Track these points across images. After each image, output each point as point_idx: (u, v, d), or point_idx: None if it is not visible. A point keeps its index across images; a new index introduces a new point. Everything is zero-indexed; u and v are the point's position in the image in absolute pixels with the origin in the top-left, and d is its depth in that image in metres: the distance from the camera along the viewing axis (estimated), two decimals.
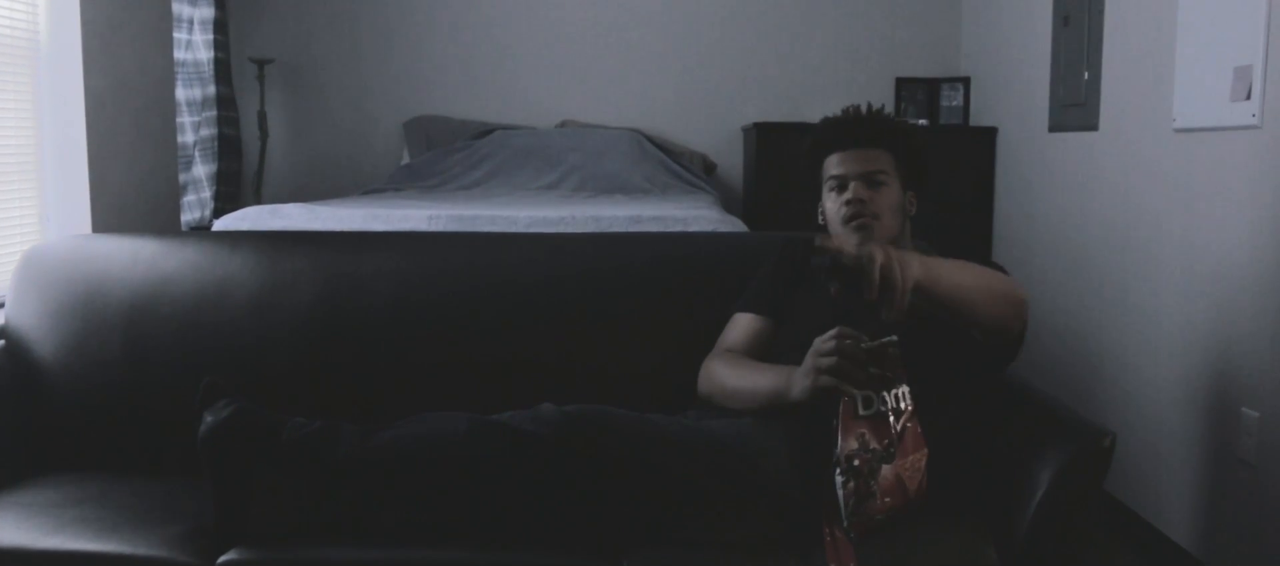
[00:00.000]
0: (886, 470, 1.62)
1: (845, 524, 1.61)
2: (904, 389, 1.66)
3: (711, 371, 1.94)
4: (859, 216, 1.91)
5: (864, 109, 2.01)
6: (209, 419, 1.63)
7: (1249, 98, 2.31)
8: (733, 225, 2.97)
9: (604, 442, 1.63)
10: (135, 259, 2.20)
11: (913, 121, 4.41)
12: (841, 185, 1.96)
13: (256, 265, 2.18)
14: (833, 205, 1.97)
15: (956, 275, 1.64)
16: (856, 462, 1.61)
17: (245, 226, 2.88)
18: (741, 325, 2.01)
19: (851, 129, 1.98)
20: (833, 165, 1.98)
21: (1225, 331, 2.43)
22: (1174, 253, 2.66)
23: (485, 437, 1.64)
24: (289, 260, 2.19)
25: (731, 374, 1.89)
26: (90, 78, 2.82)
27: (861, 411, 1.64)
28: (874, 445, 1.62)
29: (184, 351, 2.11)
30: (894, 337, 1.68)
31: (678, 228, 2.87)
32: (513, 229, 2.85)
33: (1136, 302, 2.86)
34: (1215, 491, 2.48)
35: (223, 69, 4.15)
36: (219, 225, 2.94)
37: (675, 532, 1.65)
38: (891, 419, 1.64)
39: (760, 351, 1.95)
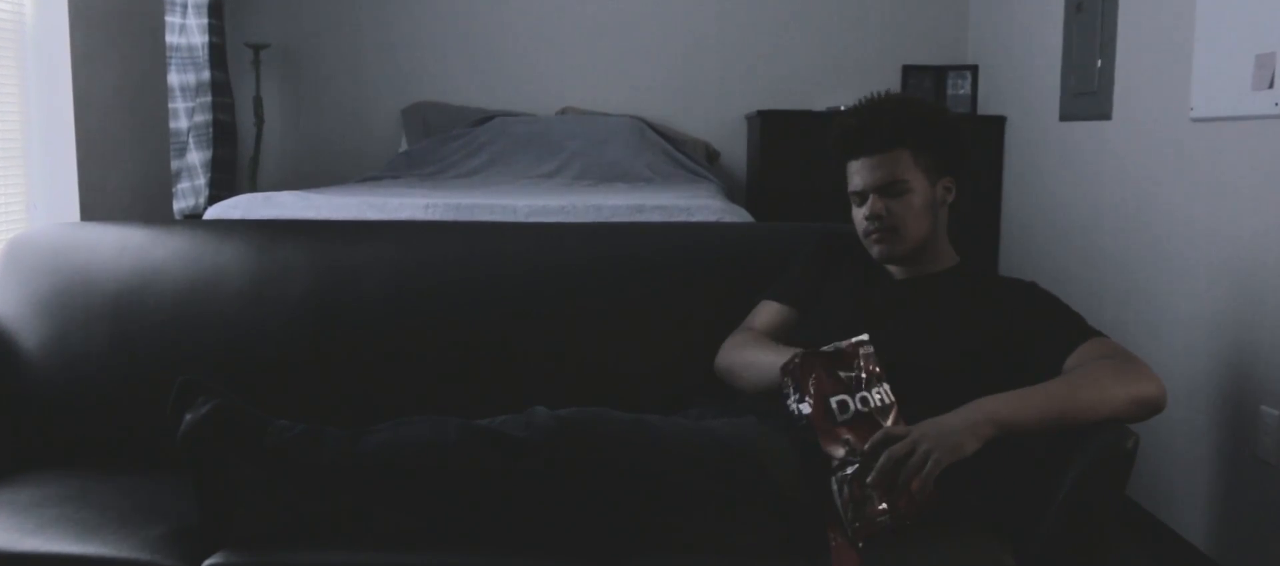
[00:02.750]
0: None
1: (847, 532, 1.55)
2: (886, 387, 1.62)
3: (727, 344, 1.93)
4: (877, 233, 1.87)
5: (875, 107, 1.89)
6: (188, 417, 1.55)
7: (1271, 86, 2.24)
8: (737, 215, 2.91)
9: (599, 449, 1.56)
10: (123, 248, 2.14)
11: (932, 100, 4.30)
12: (861, 198, 1.89)
13: (248, 255, 2.12)
14: (856, 215, 1.92)
15: (1057, 405, 1.58)
16: (848, 472, 1.55)
17: (237, 215, 2.82)
18: (766, 312, 1.97)
19: (864, 135, 1.87)
20: (852, 175, 1.90)
21: (1244, 327, 2.37)
22: (1190, 245, 2.60)
23: (476, 445, 1.56)
24: (281, 250, 2.13)
25: (742, 348, 1.88)
26: (78, 62, 2.74)
27: (839, 417, 1.58)
28: (863, 449, 1.56)
29: (172, 344, 2.04)
30: (865, 337, 1.63)
31: (681, 217, 2.81)
32: (512, 218, 2.79)
33: (1150, 297, 2.80)
34: (1232, 491, 2.42)
35: (217, 53, 4.09)
36: (210, 213, 2.87)
37: (676, 538, 1.58)
38: (877, 418, 1.59)
39: (782, 340, 1.90)
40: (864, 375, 1.61)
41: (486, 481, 1.56)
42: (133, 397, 2.01)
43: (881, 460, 1.53)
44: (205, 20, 3.99)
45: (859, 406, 1.59)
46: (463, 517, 1.59)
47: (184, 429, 1.54)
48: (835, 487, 1.56)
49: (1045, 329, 1.75)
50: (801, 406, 1.61)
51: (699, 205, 2.92)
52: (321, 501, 1.58)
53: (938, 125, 1.90)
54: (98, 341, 2.06)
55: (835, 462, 1.57)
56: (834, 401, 1.59)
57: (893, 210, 1.85)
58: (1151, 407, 1.60)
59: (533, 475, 1.54)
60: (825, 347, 1.63)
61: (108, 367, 2.04)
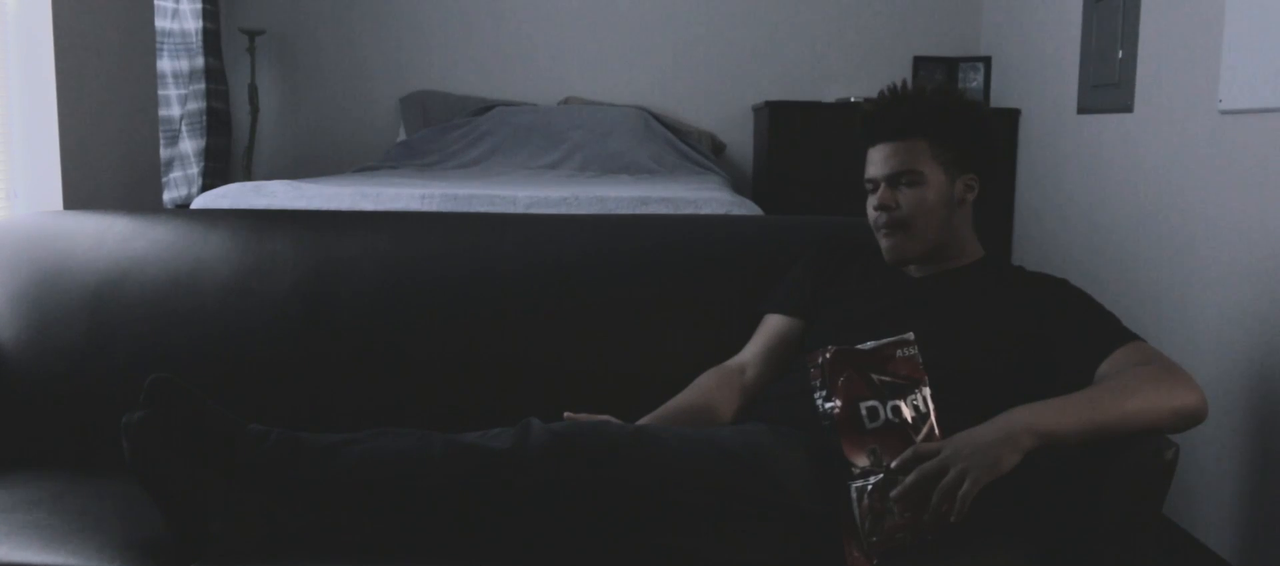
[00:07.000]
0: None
1: (862, 544, 1.45)
2: (925, 392, 1.50)
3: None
4: (886, 226, 1.79)
5: (897, 93, 1.80)
6: (126, 443, 1.44)
7: None
8: (746, 207, 2.81)
9: (597, 465, 1.45)
10: (103, 238, 2.05)
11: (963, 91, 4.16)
12: (874, 186, 1.81)
13: (234, 246, 2.03)
14: (868, 205, 1.83)
15: (1101, 414, 1.46)
16: (869, 482, 1.45)
17: (226, 204, 2.72)
18: (768, 328, 1.88)
19: (883, 121, 1.79)
20: (869, 163, 1.82)
21: (1273, 327, 2.27)
22: (1217, 243, 2.50)
23: (462, 461, 1.46)
24: (269, 241, 2.04)
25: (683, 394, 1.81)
26: (62, 44, 2.64)
27: (868, 424, 1.47)
28: (889, 461, 1.46)
29: (152, 339, 1.95)
30: (909, 336, 1.52)
31: (688, 209, 2.72)
32: (512, 209, 2.69)
33: (1174, 296, 2.70)
34: (1260, 498, 2.32)
35: (211, 39, 4.00)
36: (198, 203, 2.77)
37: (681, 557, 1.47)
38: (910, 430, 1.47)
39: (786, 353, 1.82)
40: (901, 380, 1.50)
41: (473, 499, 1.45)
42: (111, 395, 1.90)
43: (912, 477, 1.42)
44: (198, 5, 3.89)
45: (890, 416, 1.47)
46: (449, 535, 1.48)
47: (128, 456, 1.44)
48: (854, 495, 1.45)
49: (1079, 330, 1.64)
50: (828, 404, 1.50)
51: (706, 197, 2.82)
52: (298, 514, 1.48)
53: (962, 117, 1.80)
54: (75, 335, 1.97)
55: (856, 470, 1.46)
56: (864, 407, 1.48)
57: (903, 202, 1.76)
58: (1193, 420, 1.50)
59: (523, 493, 1.44)
60: (861, 346, 1.52)
61: (85, 363, 1.95)
